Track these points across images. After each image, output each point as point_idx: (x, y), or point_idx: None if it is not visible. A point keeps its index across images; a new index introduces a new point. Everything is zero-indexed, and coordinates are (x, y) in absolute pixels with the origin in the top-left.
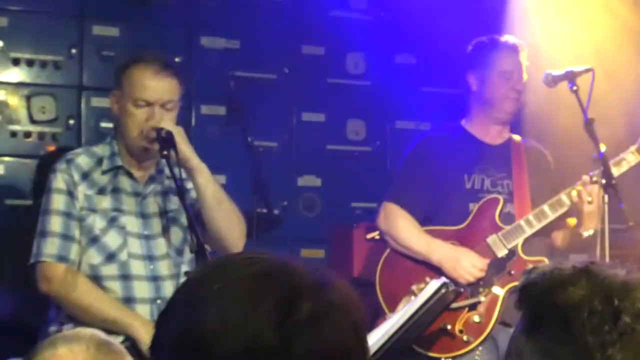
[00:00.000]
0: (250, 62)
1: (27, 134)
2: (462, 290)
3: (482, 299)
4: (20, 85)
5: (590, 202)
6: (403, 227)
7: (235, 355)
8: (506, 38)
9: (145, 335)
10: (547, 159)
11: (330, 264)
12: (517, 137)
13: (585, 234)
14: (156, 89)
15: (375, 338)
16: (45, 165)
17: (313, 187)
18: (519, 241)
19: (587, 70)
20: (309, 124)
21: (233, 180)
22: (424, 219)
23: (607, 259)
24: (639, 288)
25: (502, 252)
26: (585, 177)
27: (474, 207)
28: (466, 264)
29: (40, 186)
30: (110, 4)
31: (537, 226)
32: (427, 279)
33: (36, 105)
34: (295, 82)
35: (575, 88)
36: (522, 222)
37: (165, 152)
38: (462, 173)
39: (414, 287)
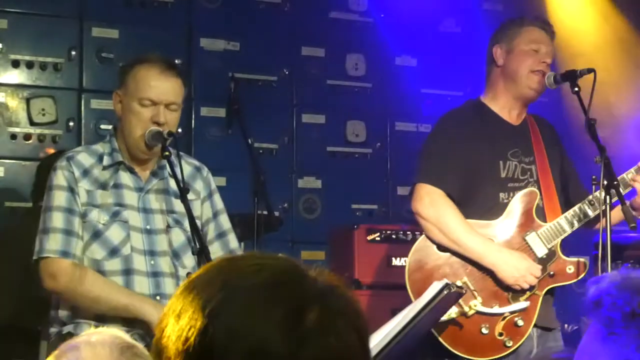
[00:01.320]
0: (251, 64)
1: (27, 136)
2: (464, 291)
3: (526, 304)
4: (19, 87)
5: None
6: (454, 220)
7: None
8: (538, 17)
9: (158, 317)
10: (554, 129)
11: (330, 266)
12: (531, 118)
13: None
14: (161, 88)
15: (378, 339)
16: (45, 168)
17: (313, 188)
18: (559, 240)
19: (589, 71)
20: (309, 125)
21: (233, 182)
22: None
23: (609, 260)
24: None
25: (542, 252)
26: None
27: (504, 197)
28: (524, 272)
29: (40, 188)
30: (110, 6)
31: (577, 225)
32: (465, 278)
33: (36, 107)
34: (296, 83)
35: (577, 89)
36: (562, 221)
37: (167, 153)
38: (497, 159)
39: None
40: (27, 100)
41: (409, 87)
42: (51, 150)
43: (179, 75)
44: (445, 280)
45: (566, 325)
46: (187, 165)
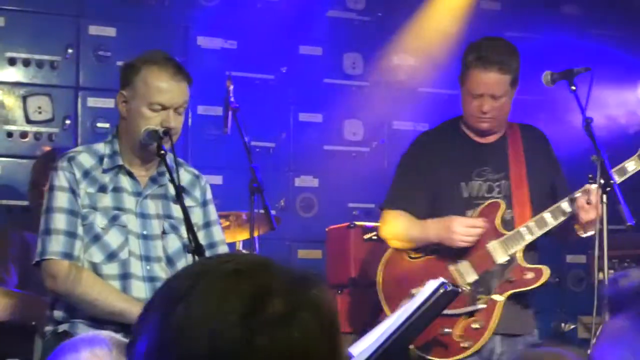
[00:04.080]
0: (248, 63)
1: (24, 134)
2: (460, 290)
3: (481, 306)
4: (16, 85)
5: (590, 211)
6: (400, 224)
7: (200, 350)
8: (487, 51)
9: None
10: (547, 140)
11: (327, 265)
12: (513, 125)
13: (584, 235)
14: (174, 93)
15: (373, 338)
16: (41, 165)
17: (310, 187)
18: (519, 248)
19: (586, 70)
20: (306, 124)
21: (230, 181)
22: None
23: (606, 260)
24: None
25: (502, 259)
26: (587, 185)
27: (471, 214)
28: (459, 229)
29: (36, 186)
30: (107, 4)
31: (538, 233)
32: (425, 281)
33: (32, 105)
34: (293, 82)
35: (573, 88)
36: (522, 229)
37: (162, 152)
38: (458, 181)
39: (413, 291)
40: (24, 98)
41: (406, 86)
42: (48, 148)
43: (188, 77)
44: (441, 279)
45: (563, 324)
46: (187, 174)
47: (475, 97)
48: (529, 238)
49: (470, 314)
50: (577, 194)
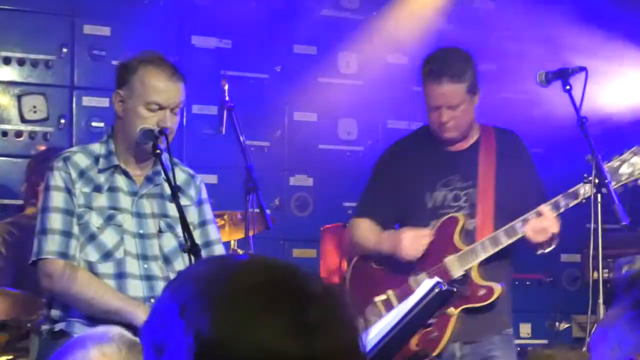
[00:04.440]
0: (242, 62)
1: (18, 134)
2: (455, 289)
3: (431, 320)
4: (11, 84)
5: (540, 234)
6: (361, 232)
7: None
8: (437, 64)
9: None
10: (526, 150)
11: (322, 264)
12: (489, 130)
13: (538, 253)
14: (170, 92)
15: (368, 338)
16: (36, 165)
17: (305, 186)
18: (474, 264)
19: (580, 70)
20: (301, 123)
21: (224, 180)
22: None
23: (600, 259)
24: None
25: (457, 274)
26: (540, 208)
27: (433, 225)
28: (406, 242)
29: (31, 185)
30: (102, 4)
31: (491, 251)
32: (389, 291)
33: (27, 104)
34: (287, 81)
35: (568, 87)
36: (478, 246)
37: (158, 151)
38: (424, 191)
39: (375, 299)
40: (19, 98)
41: (401, 85)
42: (43, 147)
43: (183, 77)
44: (436, 279)
45: (557, 323)
46: (182, 173)
47: (433, 109)
48: (482, 255)
49: (426, 326)
50: (530, 215)
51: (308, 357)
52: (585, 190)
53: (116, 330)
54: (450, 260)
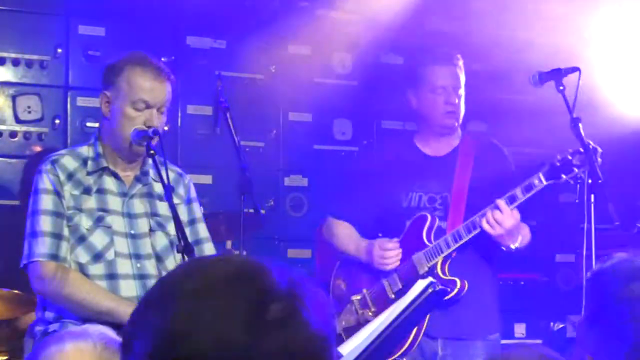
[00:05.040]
0: (237, 62)
1: (13, 134)
2: (448, 289)
3: None
4: (5, 84)
5: (495, 226)
6: (340, 234)
7: (204, 354)
8: (439, 50)
9: None
10: (504, 153)
11: (316, 264)
12: (470, 138)
13: (504, 249)
14: (157, 92)
15: (362, 338)
16: (32, 165)
17: (300, 186)
18: (438, 260)
19: (573, 70)
20: (296, 123)
21: (219, 180)
22: (367, 234)
23: (594, 259)
24: None
25: (422, 270)
26: (497, 201)
27: (407, 224)
28: (377, 253)
29: (27, 186)
30: (96, 4)
31: (454, 246)
32: (364, 290)
33: (22, 104)
34: (282, 81)
35: (561, 87)
36: (441, 241)
37: (152, 152)
38: (400, 192)
39: (352, 298)
40: (13, 98)
41: (396, 85)
42: (38, 148)
43: (170, 77)
44: (429, 279)
45: (551, 324)
46: (171, 172)
47: (439, 93)
48: (445, 250)
49: None
50: (487, 209)
51: (263, 352)
52: (539, 181)
53: (94, 328)
54: (417, 257)
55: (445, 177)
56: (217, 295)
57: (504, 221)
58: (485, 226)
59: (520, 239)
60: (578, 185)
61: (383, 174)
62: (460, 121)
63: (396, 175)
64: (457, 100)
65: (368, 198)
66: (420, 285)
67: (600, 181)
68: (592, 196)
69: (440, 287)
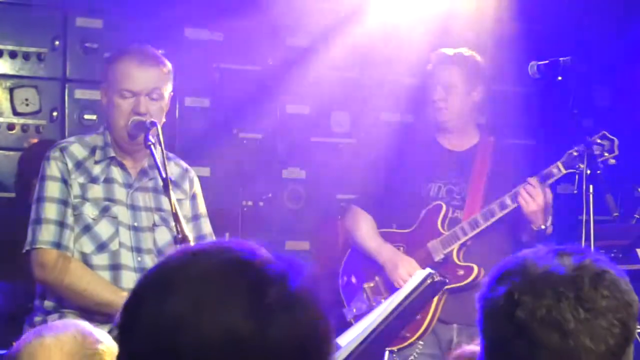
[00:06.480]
0: (235, 54)
1: (10, 126)
2: (447, 280)
3: None
4: (3, 77)
5: (530, 203)
6: (362, 228)
7: (212, 340)
8: (452, 50)
9: None
10: (517, 155)
11: (315, 256)
12: (488, 137)
13: (535, 229)
14: (140, 78)
15: (361, 329)
16: (29, 158)
17: (297, 179)
18: (454, 247)
19: (572, 61)
20: (294, 115)
21: (217, 172)
22: (384, 221)
23: (592, 250)
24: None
25: (438, 257)
26: (530, 178)
27: (423, 212)
28: (402, 272)
29: (23, 178)
30: None
31: (470, 233)
32: (376, 277)
33: (19, 97)
34: (280, 74)
35: (560, 78)
36: (457, 229)
37: (149, 143)
38: (421, 182)
39: (364, 285)
40: (11, 90)
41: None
42: (35, 140)
43: (159, 64)
44: (428, 269)
45: None
46: (177, 167)
47: (432, 90)
48: (463, 237)
49: None
50: (520, 188)
51: (265, 336)
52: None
53: (74, 320)
54: (432, 244)
55: (464, 170)
56: (213, 284)
57: (537, 196)
58: (521, 201)
59: (550, 220)
60: (577, 176)
61: (408, 165)
62: (457, 119)
63: (420, 167)
64: (436, 98)
65: (393, 188)
66: (419, 275)
67: (598, 172)
68: (591, 187)
69: (439, 277)
